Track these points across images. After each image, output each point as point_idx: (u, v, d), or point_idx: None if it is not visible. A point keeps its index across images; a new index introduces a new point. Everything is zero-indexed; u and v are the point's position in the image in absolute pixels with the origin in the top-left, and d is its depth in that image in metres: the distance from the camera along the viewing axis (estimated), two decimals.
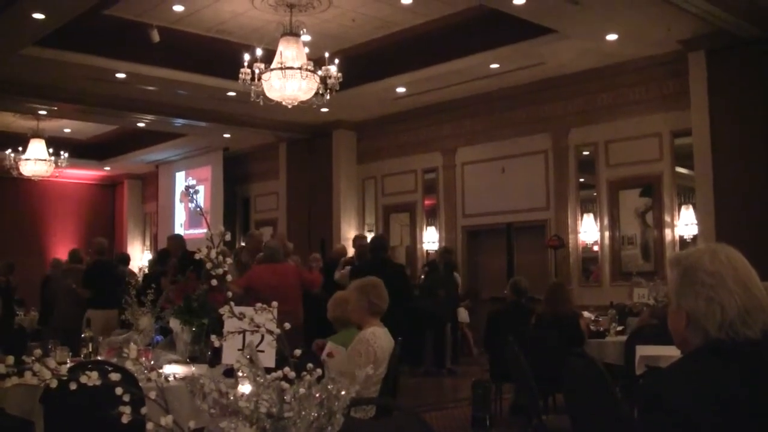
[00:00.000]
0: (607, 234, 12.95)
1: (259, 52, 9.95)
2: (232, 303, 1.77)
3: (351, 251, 12.78)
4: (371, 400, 4.40)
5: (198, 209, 2.10)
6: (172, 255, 10.62)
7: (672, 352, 2.24)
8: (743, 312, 1.91)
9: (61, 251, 18.50)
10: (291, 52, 10.01)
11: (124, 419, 1.41)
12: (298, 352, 1.56)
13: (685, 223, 11.94)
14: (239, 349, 2.26)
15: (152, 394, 1.45)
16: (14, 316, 12.37)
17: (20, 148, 16.71)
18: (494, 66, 12.72)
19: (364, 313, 4.93)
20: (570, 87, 13.28)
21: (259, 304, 1.68)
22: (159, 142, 19.16)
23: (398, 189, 16.35)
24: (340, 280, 9.89)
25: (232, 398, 1.39)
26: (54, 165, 16.85)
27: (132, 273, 13.48)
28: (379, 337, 4.74)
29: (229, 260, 1.83)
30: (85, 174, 22.46)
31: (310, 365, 1.43)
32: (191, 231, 19.94)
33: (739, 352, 1.88)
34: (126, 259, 13.82)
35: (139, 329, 5.54)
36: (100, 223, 22.93)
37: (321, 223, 16.75)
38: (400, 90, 14.16)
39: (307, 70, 9.93)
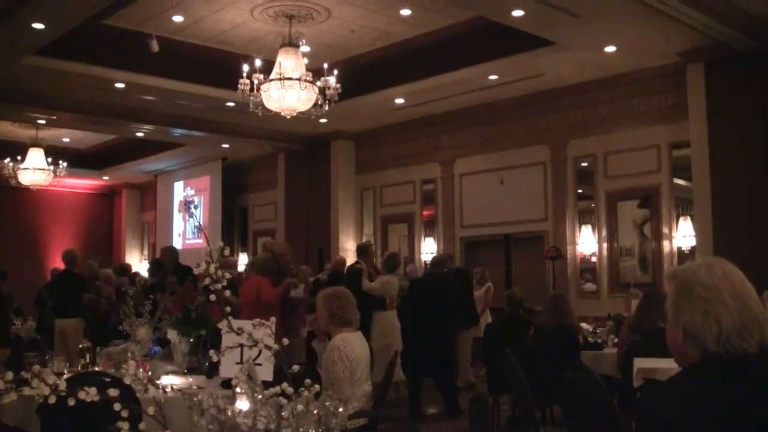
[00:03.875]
0: (605, 245, 12.95)
1: (258, 62, 9.96)
2: (230, 317, 1.77)
3: (345, 259, 12.76)
4: (370, 412, 4.39)
5: (197, 225, 2.10)
6: (165, 267, 10.63)
7: (669, 364, 2.24)
8: (739, 326, 1.91)
9: (59, 260, 18.47)
10: (290, 63, 10.03)
11: None
12: (296, 367, 1.56)
13: (683, 235, 11.94)
14: (237, 363, 2.26)
15: (150, 410, 1.44)
16: (11, 324, 12.38)
17: (19, 157, 16.71)
18: (493, 77, 12.73)
19: (328, 322, 5.01)
20: (568, 99, 13.30)
21: (256, 319, 1.68)
22: (158, 151, 19.17)
23: (396, 200, 16.35)
24: (371, 290, 9.91)
25: (230, 414, 1.39)
26: (53, 174, 16.85)
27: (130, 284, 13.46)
28: (348, 342, 4.79)
29: (227, 274, 1.83)
30: (83, 183, 22.46)
31: (308, 381, 1.43)
32: (190, 241, 19.94)
33: (737, 366, 1.88)
34: (124, 269, 13.78)
35: (137, 340, 5.53)
36: (98, 233, 22.92)
37: (319, 234, 16.75)
38: (399, 101, 14.18)
39: (306, 80, 9.95)
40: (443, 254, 12.02)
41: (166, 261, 10.65)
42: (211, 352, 1.81)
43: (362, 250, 10.81)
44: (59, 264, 16.65)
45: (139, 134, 16.87)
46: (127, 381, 3.35)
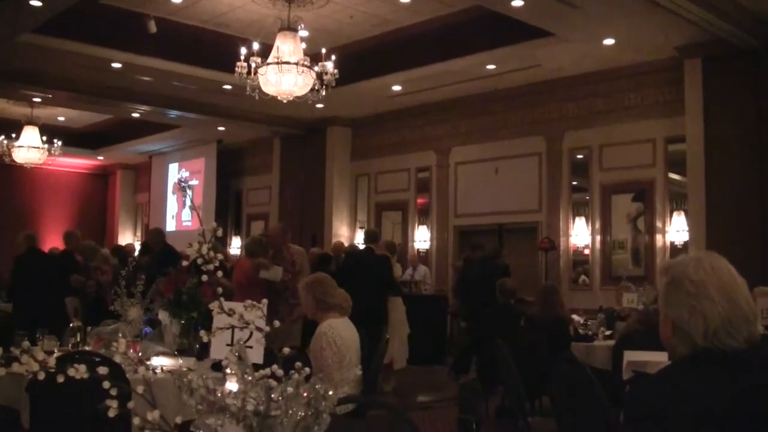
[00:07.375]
0: (598, 238, 12.98)
1: (255, 45, 9.93)
2: (222, 298, 1.76)
3: (344, 244, 12.77)
4: (359, 398, 4.39)
5: (191, 205, 2.08)
6: (152, 248, 10.59)
7: (660, 357, 2.24)
8: (726, 322, 1.91)
9: (52, 239, 18.43)
10: (288, 47, 9.99)
11: (111, 413, 1.40)
12: (286, 350, 1.56)
13: (676, 229, 11.97)
14: (227, 345, 2.26)
15: (139, 388, 1.44)
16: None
17: (14, 135, 16.66)
18: (491, 67, 12.72)
19: (314, 309, 5.02)
20: (566, 90, 13.30)
21: (248, 301, 1.68)
22: (153, 132, 19.13)
23: (391, 187, 16.35)
24: (397, 279, 10.30)
25: (219, 395, 1.39)
26: (47, 153, 16.82)
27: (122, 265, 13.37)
28: (336, 328, 4.79)
29: (220, 255, 1.82)
30: (78, 163, 22.41)
31: (298, 364, 1.42)
32: (185, 223, 19.92)
33: (725, 360, 1.89)
34: (116, 250, 13.74)
35: (128, 320, 5.52)
36: (91, 213, 22.88)
37: (313, 219, 16.75)
38: (396, 88, 14.16)
39: (303, 65, 9.92)
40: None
41: (152, 242, 10.63)
42: (202, 332, 1.80)
43: (375, 237, 10.37)
44: (52, 243, 16.65)
45: (135, 115, 16.82)
46: (117, 359, 3.35)
